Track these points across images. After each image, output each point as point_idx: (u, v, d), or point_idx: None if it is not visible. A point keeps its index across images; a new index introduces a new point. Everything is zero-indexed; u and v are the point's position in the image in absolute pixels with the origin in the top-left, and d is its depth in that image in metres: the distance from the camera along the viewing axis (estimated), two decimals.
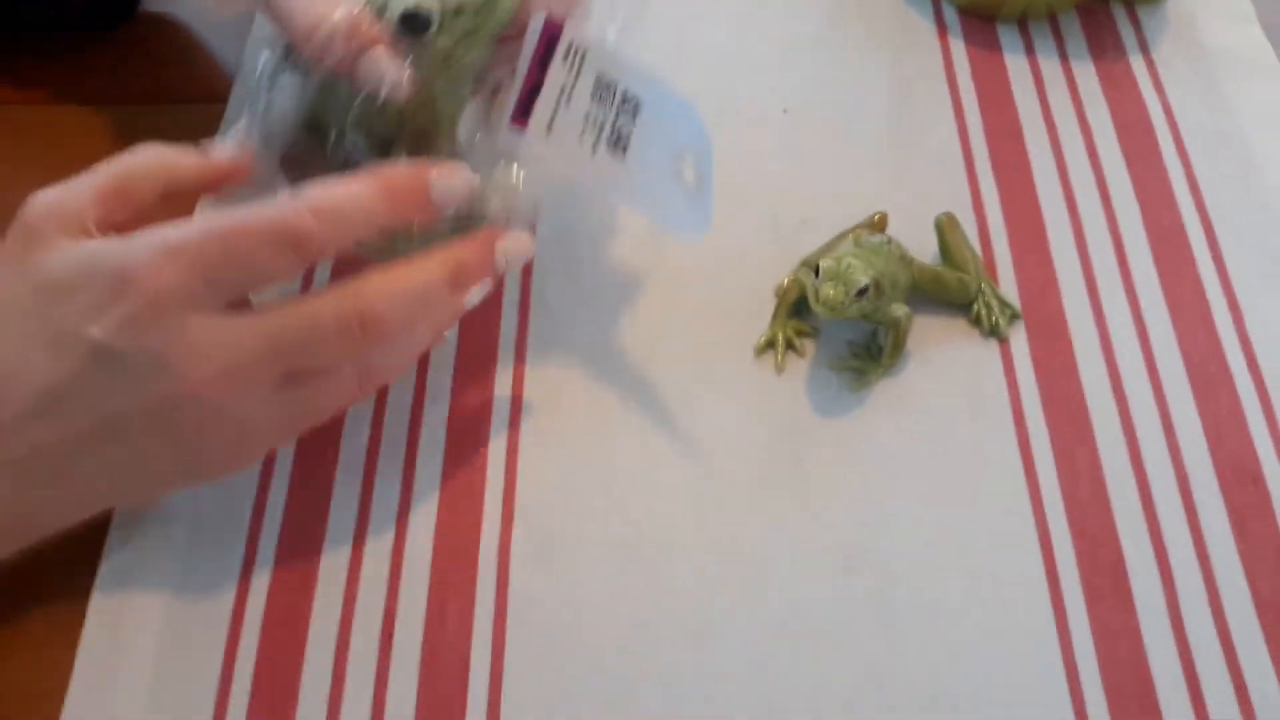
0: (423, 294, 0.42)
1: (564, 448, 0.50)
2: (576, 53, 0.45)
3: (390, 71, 0.43)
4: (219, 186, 0.45)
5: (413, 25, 0.43)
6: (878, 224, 0.55)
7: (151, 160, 0.43)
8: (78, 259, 0.38)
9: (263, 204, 0.40)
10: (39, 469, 0.39)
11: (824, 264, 0.49)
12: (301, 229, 0.39)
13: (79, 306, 0.38)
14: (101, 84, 0.63)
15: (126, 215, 0.41)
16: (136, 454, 0.40)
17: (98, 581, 0.46)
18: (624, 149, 0.46)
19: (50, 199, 0.40)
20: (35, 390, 0.38)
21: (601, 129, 0.46)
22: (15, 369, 0.38)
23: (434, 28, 0.43)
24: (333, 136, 0.45)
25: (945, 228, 0.55)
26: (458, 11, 0.44)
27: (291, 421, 0.43)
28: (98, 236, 0.40)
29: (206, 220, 0.39)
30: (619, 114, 0.46)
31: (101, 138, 0.61)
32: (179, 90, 0.64)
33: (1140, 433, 0.51)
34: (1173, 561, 0.47)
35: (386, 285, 0.41)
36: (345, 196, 0.41)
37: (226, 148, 0.45)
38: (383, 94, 0.43)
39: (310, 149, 0.46)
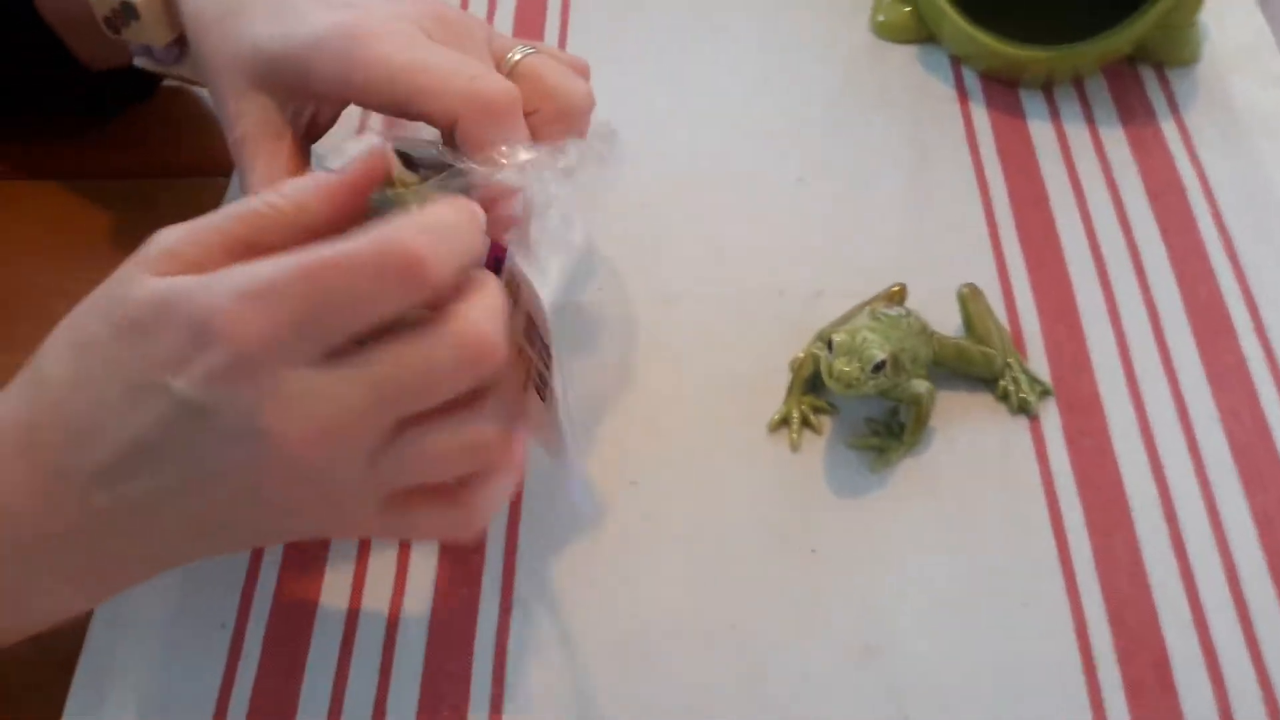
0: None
1: (565, 527, 0.47)
2: (517, 280, 0.40)
3: None
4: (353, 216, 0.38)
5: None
6: (896, 296, 0.52)
7: (287, 210, 0.36)
8: (153, 298, 0.34)
9: (357, 232, 0.34)
10: (122, 522, 0.36)
11: (837, 338, 0.46)
12: (413, 253, 0.33)
13: (159, 353, 0.33)
14: (107, 158, 0.62)
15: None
16: (223, 510, 0.36)
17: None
18: (543, 395, 0.41)
19: (172, 241, 0.35)
20: (121, 442, 0.34)
21: (530, 365, 0.41)
22: (97, 417, 0.34)
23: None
24: None
25: (968, 299, 0.52)
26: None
27: (391, 501, 0.37)
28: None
29: (297, 256, 0.33)
30: (541, 356, 0.41)
31: (106, 212, 0.59)
32: (189, 164, 0.63)
33: (1183, 518, 0.47)
34: (1222, 659, 0.44)
35: (485, 301, 0.35)
36: (448, 213, 0.35)
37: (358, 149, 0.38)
38: None
39: None
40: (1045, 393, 0.51)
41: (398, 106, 0.41)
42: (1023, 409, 0.50)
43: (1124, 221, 0.57)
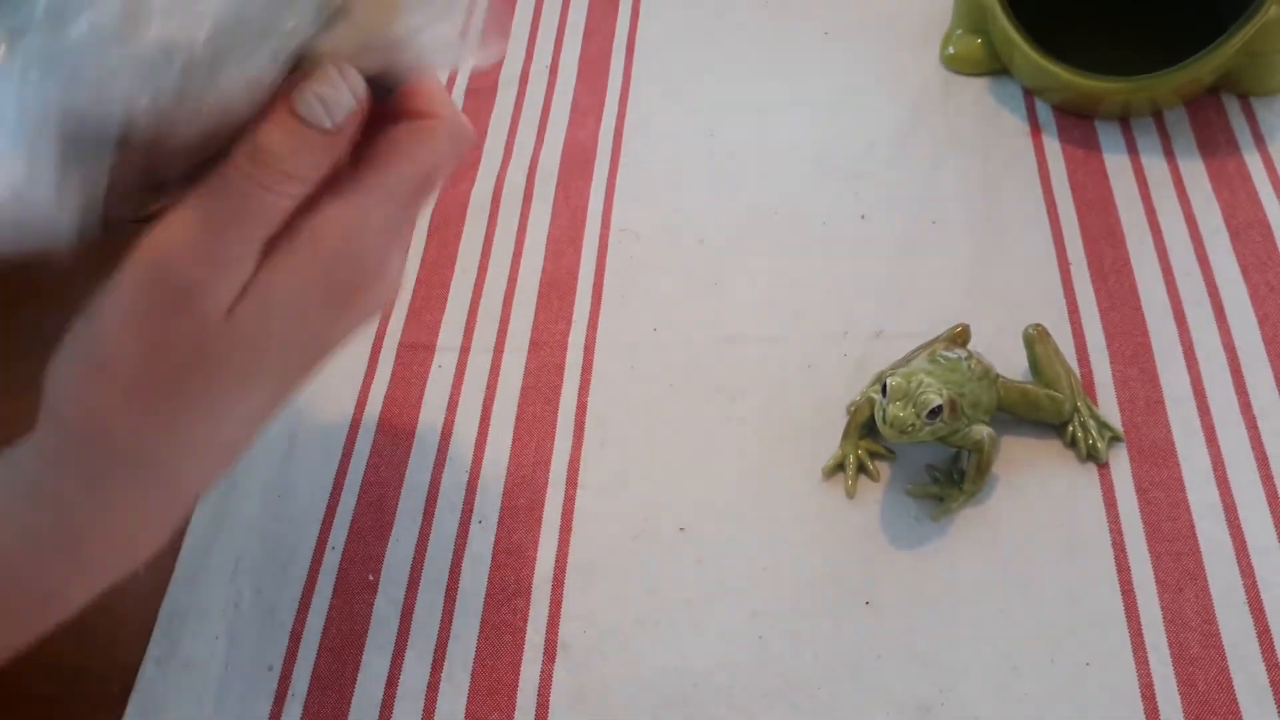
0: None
1: (613, 575, 0.47)
2: None
3: None
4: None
5: None
6: (958, 337, 0.51)
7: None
8: None
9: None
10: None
11: (892, 381, 0.45)
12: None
13: None
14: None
15: None
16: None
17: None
18: None
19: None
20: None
21: None
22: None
23: None
24: None
25: (1035, 341, 0.50)
26: None
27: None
28: None
29: None
30: None
31: None
32: None
33: (1261, 574, 0.45)
34: None
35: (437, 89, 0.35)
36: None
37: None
38: None
39: None
40: (1115, 439, 0.49)
41: None
42: (1091, 456, 0.48)
43: (1203, 259, 0.55)
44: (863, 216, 0.58)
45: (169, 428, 0.34)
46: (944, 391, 0.45)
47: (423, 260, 0.58)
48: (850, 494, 0.48)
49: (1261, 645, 0.43)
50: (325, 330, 0.36)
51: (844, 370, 0.52)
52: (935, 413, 0.44)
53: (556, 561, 0.47)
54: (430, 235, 0.59)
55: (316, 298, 0.34)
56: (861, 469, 0.49)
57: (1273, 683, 0.42)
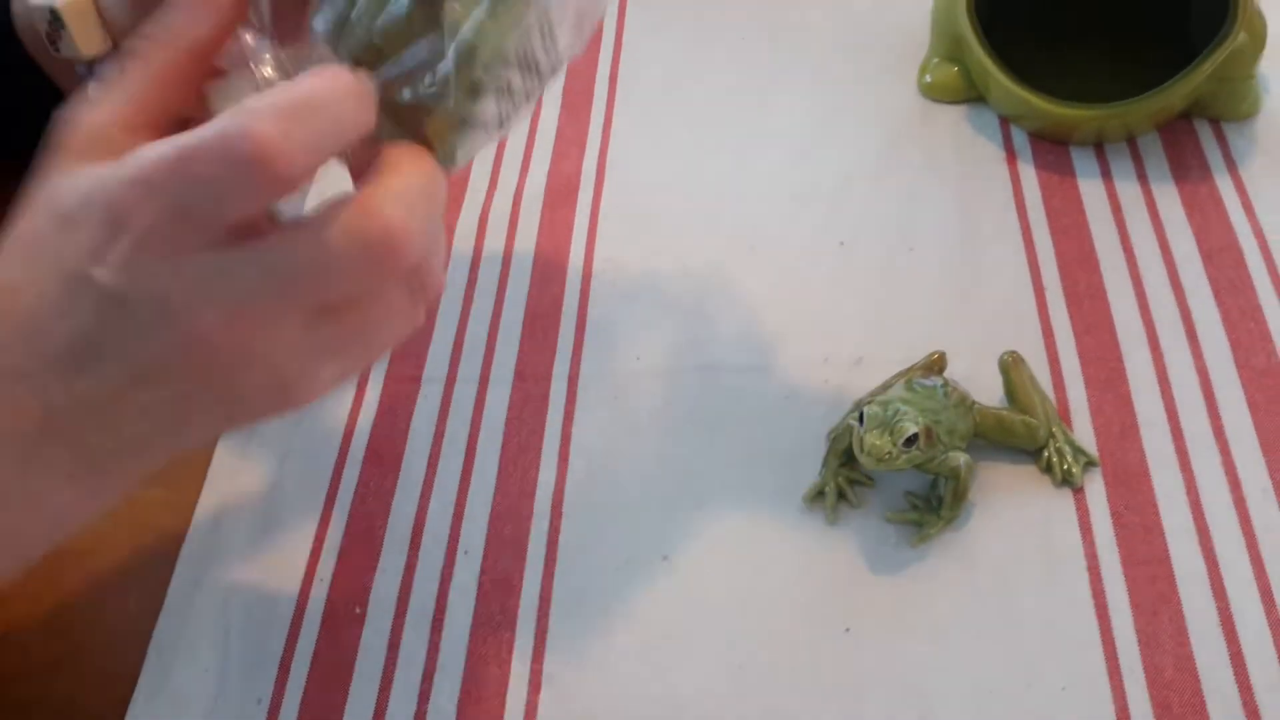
0: (432, 189, 0.35)
1: (598, 605, 0.47)
2: None
3: None
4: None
5: None
6: (935, 364, 0.52)
7: (174, 46, 0.36)
8: (79, 188, 0.34)
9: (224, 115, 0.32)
10: (87, 417, 0.36)
11: (869, 410, 0.46)
12: (258, 140, 0.31)
13: (83, 244, 0.34)
14: None
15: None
16: (177, 399, 0.36)
17: None
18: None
19: (98, 125, 0.35)
20: (65, 335, 0.35)
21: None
22: (42, 312, 0.35)
23: None
24: None
25: (1010, 368, 0.51)
26: None
27: (338, 358, 0.37)
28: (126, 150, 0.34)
29: (172, 142, 0.33)
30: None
31: None
32: None
33: (1233, 596, 0.46)
34: None
35: (398, 187, 0.34)
36: (311, 92, 0.33)
37: None
38: None
39: None
40: (1090, 464, 0.50)
41: None
42: (1066, 481, 0.49)
43: (1176, 284, 0.56)
44: (842, 244, 0.59)
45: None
46: (920, 420, 0.46)
47: None
48: (831, 521, 0.49)
49: (1234, 668, 0.44)
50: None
51: (824, 397, 0.53)
52: (911, 441, 0.45)
53: (542, 592, 0.48)
54: None
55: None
56: (841, 496, 0.50)
57: (1245, 705, 0.43)
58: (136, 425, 0.37)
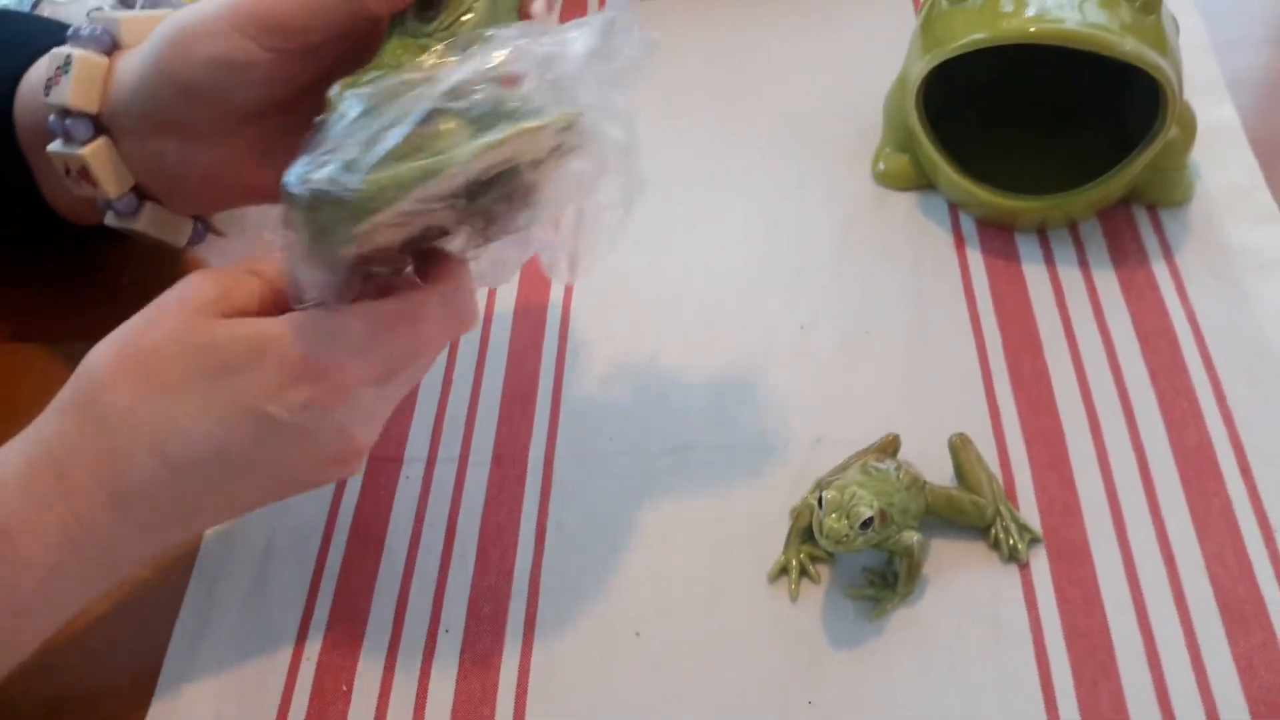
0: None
1: (573, 680, 0.50)
2: None
3: None
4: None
5: None
6: (889, 446, 0.55)
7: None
8: (243, 341, 0.42)
9: (424, 293, 0.44)
10: (189, 496, 0.45)
11: (827, 495, 0.49)
12: (473, 321, 0.46)
13: (253, 387, 0.42)
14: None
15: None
16: (285, 481, 0.47)
17: None
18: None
19: (223, 286, 0.44)
20: (208, 451, 0.43)
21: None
22: (189, 433, 0.42)
23: None
24: None
25: (959, 449, 0.54)
26: None
27: (393, 404, 0.47)
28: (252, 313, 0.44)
29: (385, 318, 0.43)
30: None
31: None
32: None
33: (1167, 665, 0.49)
34: None
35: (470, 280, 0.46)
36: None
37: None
38: None
39: None
40: (1035, 540, 0.53)
41: None
42: (1013, 557, 0.52)
43: (1115, 366, 0.59)
44: (802, 327, 0.62)
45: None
46: (874, 503, 0.49)
47: None
48: (794, 597, 0.52)
49: None
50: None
51: (786, 476, 0.56)
52: (867, 524, 0.48)
53: (520, 668, 0.50)
54: None
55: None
56: (803, 572, 0.53)
57: None
58: (233, 500, 0.47)
